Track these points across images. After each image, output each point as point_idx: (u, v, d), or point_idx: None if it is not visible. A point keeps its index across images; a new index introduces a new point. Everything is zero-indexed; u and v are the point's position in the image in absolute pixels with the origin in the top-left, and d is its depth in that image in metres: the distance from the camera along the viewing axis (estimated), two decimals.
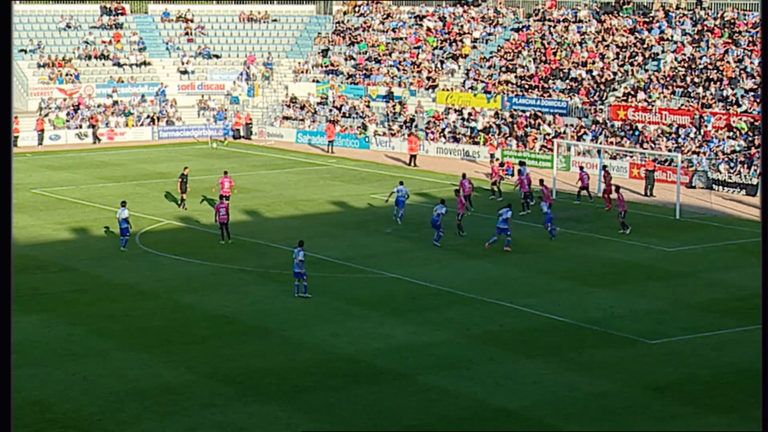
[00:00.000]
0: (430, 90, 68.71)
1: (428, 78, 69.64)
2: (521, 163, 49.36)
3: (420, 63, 71.24)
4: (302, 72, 74.42)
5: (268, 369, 26.57)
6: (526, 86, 64.96)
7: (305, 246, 33.91)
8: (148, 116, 70.91)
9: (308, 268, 33.62)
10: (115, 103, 71.17)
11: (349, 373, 26.41)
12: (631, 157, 55.36)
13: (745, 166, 51.16)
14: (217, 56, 77.07)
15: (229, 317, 30.96)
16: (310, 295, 32.48)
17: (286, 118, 70.94)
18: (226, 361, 27.01)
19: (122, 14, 78.17)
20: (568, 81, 63.98)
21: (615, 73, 62.73)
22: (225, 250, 39.31)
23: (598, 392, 24.94)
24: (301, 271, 32.63)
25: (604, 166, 50.23)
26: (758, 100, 55.16)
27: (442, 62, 70.61)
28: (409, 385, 25.47)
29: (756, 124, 53.70)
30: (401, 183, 45.48)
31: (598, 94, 61.77)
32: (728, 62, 58.57)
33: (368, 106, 69.32)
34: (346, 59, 74.64)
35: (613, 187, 44.31)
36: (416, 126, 65.13)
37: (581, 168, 49.55)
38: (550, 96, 63.28)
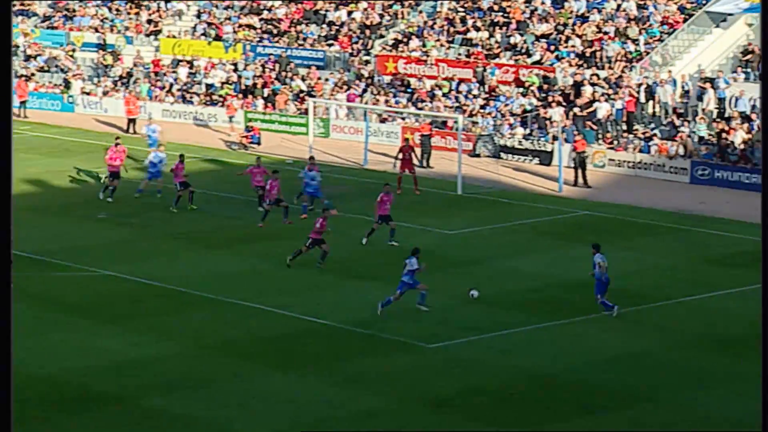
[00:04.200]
0: (152, 37, 68.03)
1: (149, 21, 68.90)
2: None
3: (138, 2, 70.36)
4: None
5: None
6: (274, 32, 65.31)
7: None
8: None
9: None
10: None
11: (51, 398, 26.00)
12: (404, 119, 56.66)
13: (538, 129, 53.29)
14: None
15: None
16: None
17: None
18: None
19: None
20: (324, 26, 64.73)
21: (381, 16, 63.93)
22: None
23: (367, 410, 25.53)
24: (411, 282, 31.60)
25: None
26: (551, 49, 57.49)
27: (166, 1, 70.01)
28: (130, 411, 25.30)
29: (550, 77, 55.98)
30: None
31: (362, 41, 62.82)
32: (516, 3, 60.73)
33: (72, 57, 67.95)
34: None
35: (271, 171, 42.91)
36: (135, 83, 64.40)
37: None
38: (303, 44, 63.88)
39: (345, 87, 59.62)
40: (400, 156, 47.03)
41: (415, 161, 48.00)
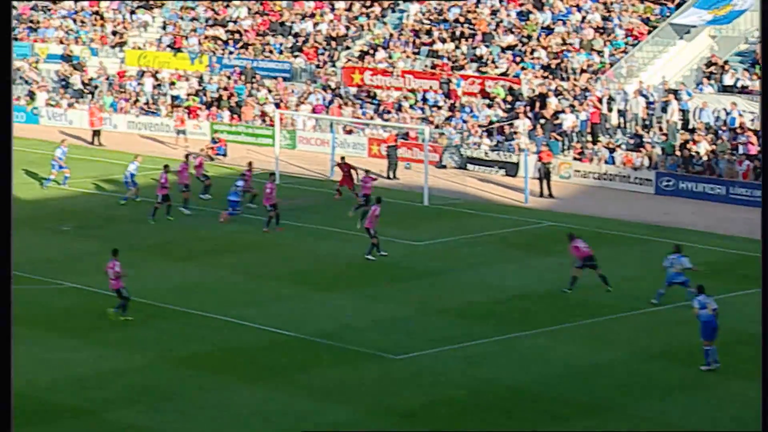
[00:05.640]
0: (117, 48, 67.82)
1: (114, 33, 68.68)
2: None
3: (103, 13, 70.16)
4: None
5: None
6: (240, 44, 65.23)
7: None
8: None
9: None
10: None
11: (15, 412, 25.77)
12: (372, 130, 56.63)
13: (505, 140, 53.37)
14: None
15: None
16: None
17: None
18: None
19: None
20: (290, 37, 64.70)
21: (347, 28, 63.96)
22: None
23: (334, 421, 25.48)
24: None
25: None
26: (516, 60, 57.63)
27: (132, 13, 69.82)
28: (95, 425, 25.15)
29: (515, 88, 56.12)
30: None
31: (328, 53, 62.82)
32: (481, 14, 60.88)
33: (36, 69, 67.63)
34: None
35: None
36: (99, 95, 64.15)
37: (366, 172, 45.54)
38: (269, 56, 63.82)
39: (311, 98, 59.56)
40: (339, 171, 47.43)
41: (354, 177, 47.42)
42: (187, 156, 46.89)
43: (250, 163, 46.38)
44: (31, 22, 70.61)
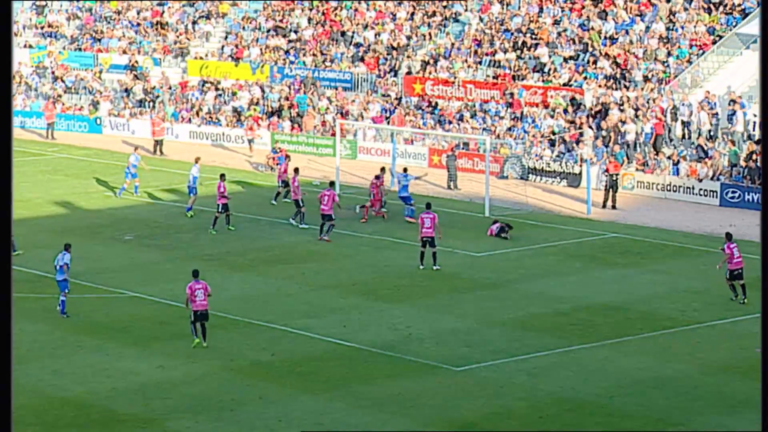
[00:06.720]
0: (179, 58, 68.30)
1: (176, 43, 69.18)
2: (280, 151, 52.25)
3: (165, 24, 70.68)
4: None
5: None
6: (301, 53, 65.49)
7: (26, 257, 33.14)
8: None
9: (23, 286, 32.75)
10: None
11: (78, 421, 26.02)
12: (432, 141, 56.63)
13: (566, 151, 53.18)
14: None
15: None
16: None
17: None
18: None
19: None
20: (352, 47, 64.87)
21: (409, 38, 64.02)
22: None
23: None
24: None
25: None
26: (579, 70, 57.41)
27: (194, 23, 70.29)
28: None
29: (577, 99, 55.91)
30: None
31: (389, 63, 62.92)
32: (544, 24, 60.72)
33: (99, 79, 68.26)
34: (68, 18, 73.26)
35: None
36: (162, 104, 64.63)
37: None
38: (330, 65, 64.01)
39: (372, 108, 59.66)
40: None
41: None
42: (296, 170, 46.59)
43: (383, 169, 47.48)
44: (95, 32, 71.28)
